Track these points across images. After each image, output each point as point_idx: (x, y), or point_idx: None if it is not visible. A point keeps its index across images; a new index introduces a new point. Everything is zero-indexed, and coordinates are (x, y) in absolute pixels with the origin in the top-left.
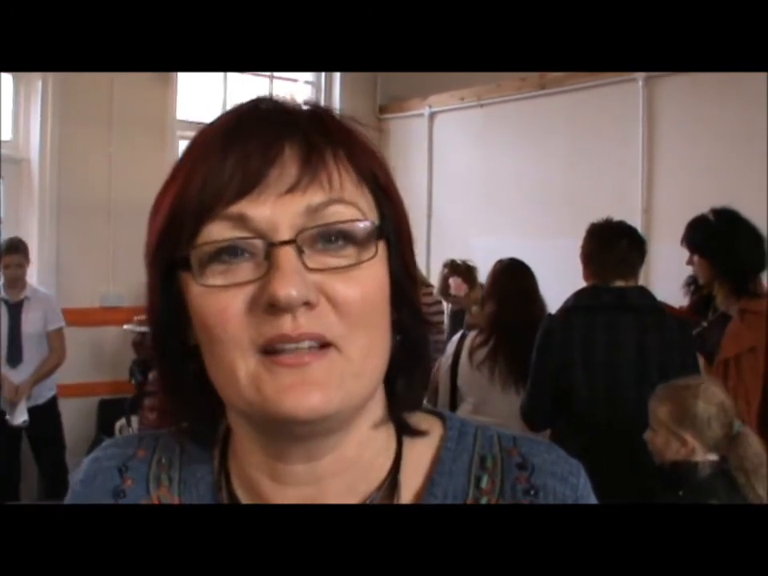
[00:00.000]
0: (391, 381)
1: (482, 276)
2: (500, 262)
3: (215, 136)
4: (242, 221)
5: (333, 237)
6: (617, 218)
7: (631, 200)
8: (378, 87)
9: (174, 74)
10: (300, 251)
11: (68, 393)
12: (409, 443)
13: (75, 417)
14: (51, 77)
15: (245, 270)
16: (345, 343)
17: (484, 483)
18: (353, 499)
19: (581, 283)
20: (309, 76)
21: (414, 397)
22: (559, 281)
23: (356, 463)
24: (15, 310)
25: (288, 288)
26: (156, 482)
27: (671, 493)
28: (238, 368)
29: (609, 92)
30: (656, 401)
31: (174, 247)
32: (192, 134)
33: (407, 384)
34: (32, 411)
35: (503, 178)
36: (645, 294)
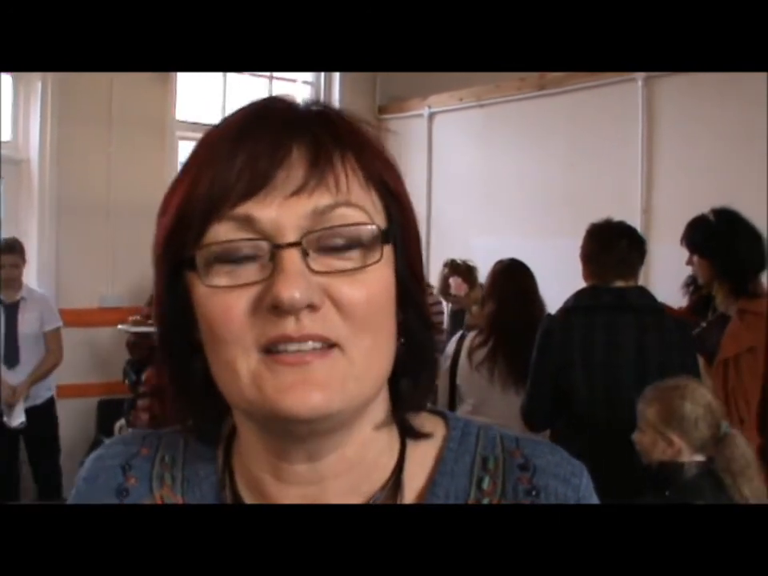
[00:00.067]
0: (396, 382)
1: (482, 276)
2: (499, 262)
3: (224, 136)
4: (248, 222)
5: (338, 239)
6: (617, 218)
7: (631, 200)
8: (377, 87)
9: (174, 74)
10: (305, 254)
11: (67, 393)
12: (412, 443)
13: (75, 417)
14: (51, 77)
15: (250, 271)
16: (348, 345)
17: (486, 484)
18: (355, 499)
19: (581, 283)
20: (308, 76)
21: (418, 399)
22: (559, 281)
23: (358, 464)
24: (11, 311)
25: (291, 290)
26: (159, 480)
27: (658, 493)
28: (240, 366)
29: (608, 92)
30: (644, 402)
31: (180, 247)
32: (191, 134)
33: (412, 386)
34: (29, 412)
35: (503, 178)
36: (644, 294)
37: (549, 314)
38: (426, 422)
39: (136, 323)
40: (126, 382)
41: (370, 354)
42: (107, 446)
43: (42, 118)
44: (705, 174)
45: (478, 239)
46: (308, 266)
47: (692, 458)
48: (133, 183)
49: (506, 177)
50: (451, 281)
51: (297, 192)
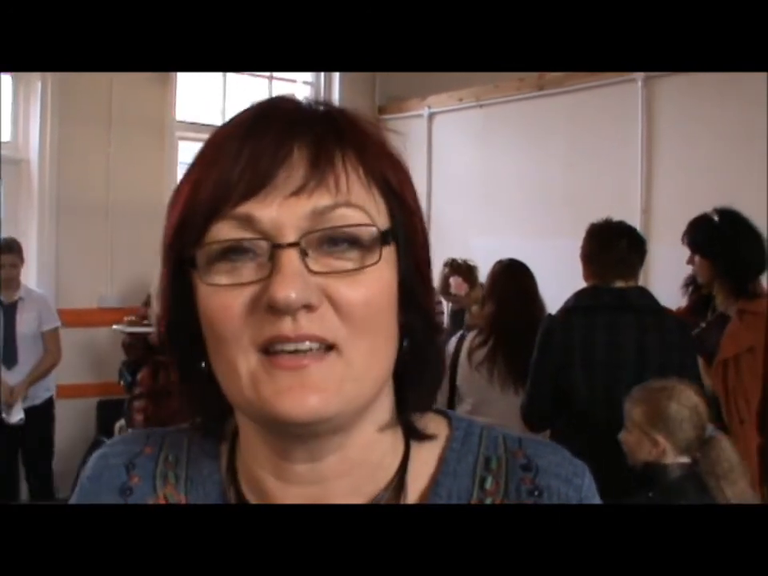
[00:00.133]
0: (400, 384)
1: (482, 276)
2: (499, 262)
3: (230, 135)
4: (248, 221)
5: (337, 240)
6: (616, 218)
7: (631, 200)
8: (376, 87)
9: (173, 74)
10: (304, 254)
11: (67, 394)
12: (416, 444)
13: (74, 418)
14: (51, 77)
15: (249, 270)
16: (346, 346)
17: (488, 484)
18: (358, 499)
19: (581, 283)
20: (307, 76)
21: (423, 400)
22: (559, 281)
23: (361, 465)
24: (10, 311)
25: (287, 290)
26: (163, 479)
27: (642, 493)
28: (240, 366)
29: (608, 92)
30: (631, 401)
31: (184, 245)
32: (191, 134)
33: (416, 387)
34: (27, 412)
35: (503, 178)
36: (644, 294)
37: (549, 314)
38: (430, 422)
39: (131, 323)
40: (122, 382)
41: (369, 356)
42: (111, 445)
43: (41, 118)
44: (705, 174)
45: (478, 239)
46: (307, 267)
47: (676, 459)
48: (132, 183)
49: (506, 177)
50: (451, 280)
51: (297, 192)
